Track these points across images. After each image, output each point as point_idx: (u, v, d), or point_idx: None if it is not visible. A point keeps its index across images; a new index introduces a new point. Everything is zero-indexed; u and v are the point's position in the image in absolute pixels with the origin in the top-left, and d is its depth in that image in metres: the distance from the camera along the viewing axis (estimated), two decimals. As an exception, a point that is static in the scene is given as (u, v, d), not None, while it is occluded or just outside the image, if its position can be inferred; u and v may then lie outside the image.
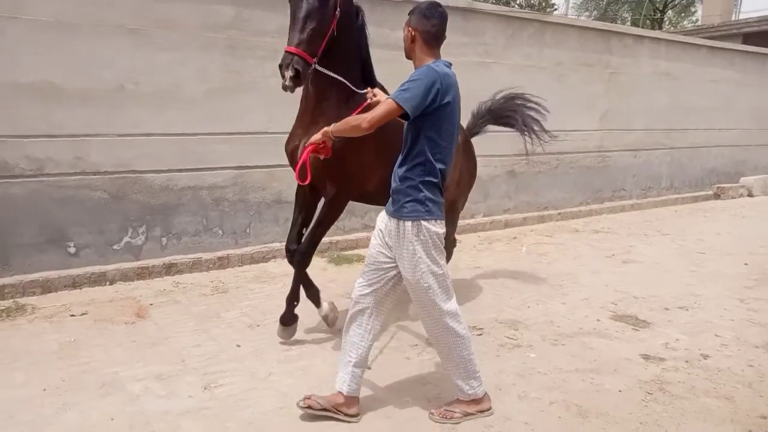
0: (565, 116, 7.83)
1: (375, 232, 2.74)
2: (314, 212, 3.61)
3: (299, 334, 3.70)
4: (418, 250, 2.54)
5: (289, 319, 3.56)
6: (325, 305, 3.69)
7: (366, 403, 2.90)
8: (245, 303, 4.27)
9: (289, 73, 2.90)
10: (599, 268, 5.48)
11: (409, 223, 2.54)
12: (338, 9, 3.05)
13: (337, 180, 3.33)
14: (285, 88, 2.96)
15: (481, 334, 3.80)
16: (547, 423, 2.78)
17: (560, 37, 7.69)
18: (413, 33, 2.56)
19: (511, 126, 4.59)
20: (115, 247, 4.75)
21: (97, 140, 4.57)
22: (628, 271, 5.43)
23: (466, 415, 2.75)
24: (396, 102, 2.41)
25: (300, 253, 3.42)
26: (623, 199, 8.91)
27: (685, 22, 29.38)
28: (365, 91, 3.19)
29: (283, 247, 5.48)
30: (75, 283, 4.50)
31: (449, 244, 4.36)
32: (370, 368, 3.29)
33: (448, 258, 4.42)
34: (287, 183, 5.46)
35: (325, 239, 5.78)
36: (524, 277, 5.11)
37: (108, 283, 4.62)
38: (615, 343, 3.74)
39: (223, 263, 5.14)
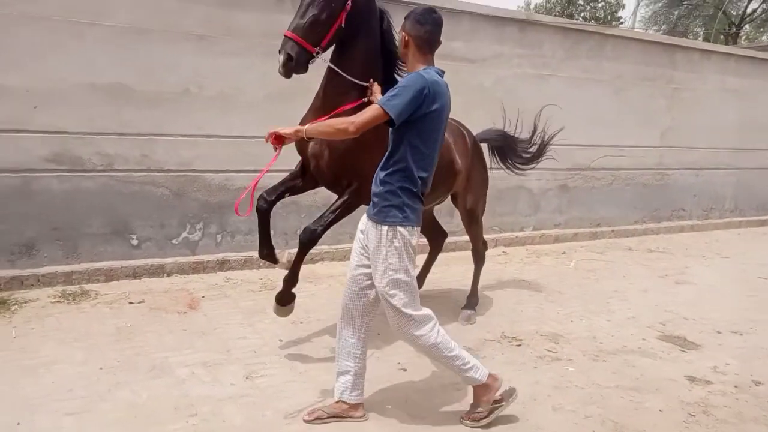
0: (622, 131, 7.68)
1: (356, 235, 2.73)
2: (302, 192, 3.59)
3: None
4: (390, 256, 2.52)
5: (287, 299, 3.46)
6: (284, 256, 3.51)
7: (399, 404, 2.96)
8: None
9: (281, 57, 2.89)
10: (650, 288, 5.32)
11: (386, 228, 2.53)
12: (349, 2, 2.98)
13: (360, 175, 3.25)
14: (280, 72, 2.96)
15: (519, 345, 3.79)
16: (581, 436, 2.76)
17: (621, 50, 7.54)
18: (407, 38, 2.55)
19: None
20: (173, 241, 5.02)
21: (162, 139, 4.86)
22: (680, 292, 5.24)
23: (492, 411, 2.75)
24: (383, 108, 2.40)
25: (311, 232, 3.25)
26: (682, 220, 8.59)
27: (765, 37, 27.94)
28: (367, 84, 3.20)
29: (330, 249, 5.68)
30: (135, 274, 4.78)
31: (480, 248, 4.44)
32: (405, 370, 3.36)
33: (482, 262, 4.44)
34: (338, 187, 5.61)
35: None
36: (570, 292, 5.03)
37: (165, 275, 4.88)
38: (660, 363, 3.65)
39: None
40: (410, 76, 2.48)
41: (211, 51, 4.97)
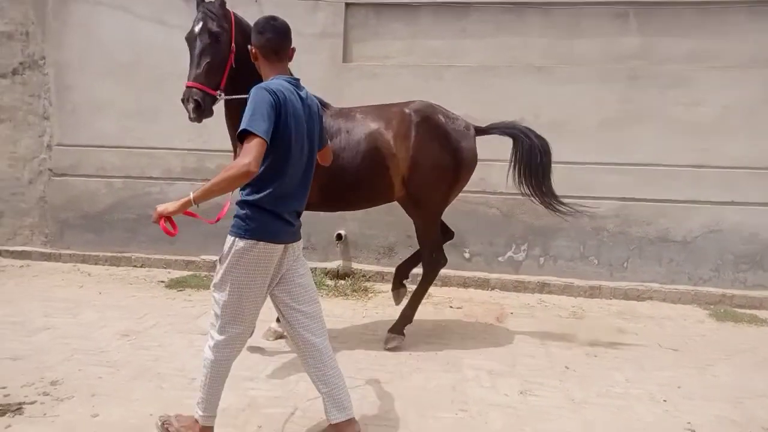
0: None
1: None
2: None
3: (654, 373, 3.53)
4: (224, 265, 2.43)
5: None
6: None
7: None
8: (596, 333, 4.25)
9: (190, 106, 3.22)
10: None
11: (229, 238, 2.43)
12: (233, 44, 3.31)
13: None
14: (191, 119, 3.27)
15: None
16: None
17: None
18: (253, 50, 2.54)
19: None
20: (499, 259, 5.46)
21: (496, 164, 5.33)
22: None
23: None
24: (258, 135, 2.22)
25: None
26: None
27: None
28: None
29: (661, 288, 5.19)
30: (464, 283, 5.40)
31: (426, 254, 3.92)
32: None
33: (427, 274, 3.96)
34: (676, 220, 5.09)
35: (718, 290, 5.12)
36: None
37: (489, 288, 5.35)
38: None
39: (593, 293, 5.19)
40: (252, 93, 2.32)
41: (549, 80, 5.24)
